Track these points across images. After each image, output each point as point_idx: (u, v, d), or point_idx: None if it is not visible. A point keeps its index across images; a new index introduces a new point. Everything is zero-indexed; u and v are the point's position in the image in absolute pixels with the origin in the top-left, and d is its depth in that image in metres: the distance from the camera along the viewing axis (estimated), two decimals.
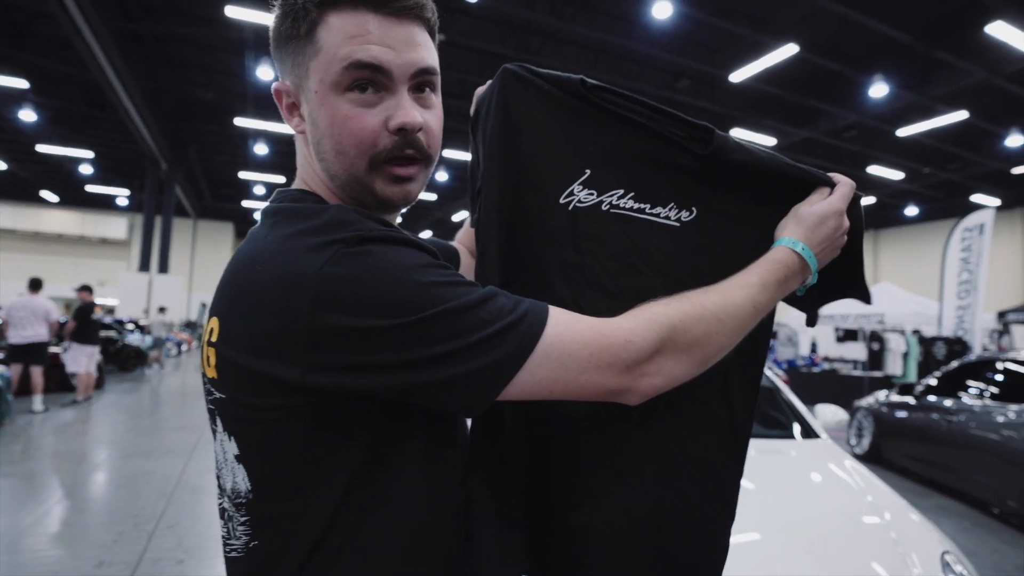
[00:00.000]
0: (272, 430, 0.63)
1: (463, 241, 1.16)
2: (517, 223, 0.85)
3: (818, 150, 15.55)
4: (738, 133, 13.99)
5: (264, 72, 11.48)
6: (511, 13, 10.28)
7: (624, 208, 0.86)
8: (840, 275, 0.92)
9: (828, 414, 3.41)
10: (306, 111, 0.70)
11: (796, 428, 3.16)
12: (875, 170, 16.62)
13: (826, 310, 14.19)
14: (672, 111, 0.86)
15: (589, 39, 11.05)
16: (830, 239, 0.85)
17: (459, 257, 1.12)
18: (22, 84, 12.37)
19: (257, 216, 0.79)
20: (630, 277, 0.85)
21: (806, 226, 0.84)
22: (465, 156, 16.33)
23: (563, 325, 0.65)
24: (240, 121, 14.08)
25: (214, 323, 0.67)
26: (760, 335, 0.92)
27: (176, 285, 19.59)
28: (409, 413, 0.66)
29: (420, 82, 0.71)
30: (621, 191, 0.86)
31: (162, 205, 16.48)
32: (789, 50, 10.10)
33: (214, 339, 0.66)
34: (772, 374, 3.59)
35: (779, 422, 3.23)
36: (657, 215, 0.87)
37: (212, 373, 0.67)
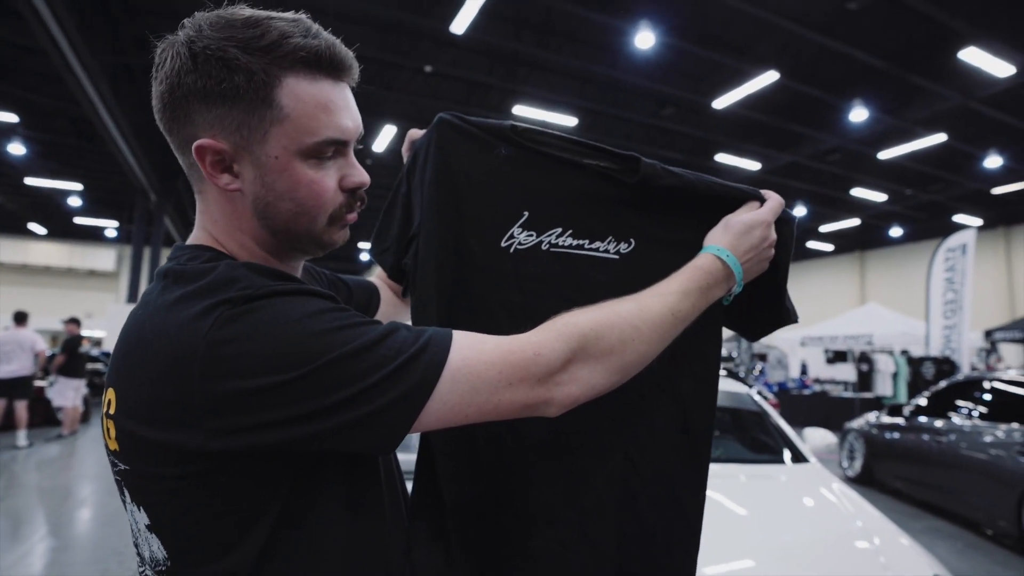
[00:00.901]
0: (181, 498, 0.62)
1: (384, 276, 1.15)
2: (460, 268, 0.87)
3: (802, 174, 15.82)
4: (723, 159, 14.22)
5: None
6: (498, 44, 10.47)
7: (563, 246, 0.89)
8: (767, 292, 0.94)
9: (817, 438, 3.42)
10: (251, 173, 0.69)
11: (785, 453, 3.17)
12: (859, 192, 16.90)
13: (814, 331, 14.26)
14: (600, 145, 0.89)
15: (575, 68, 11.27)
16: (756, 248, 0.86)
17: (379, 293, 1.12)
18: (12, 118, 12.41)
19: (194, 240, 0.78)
20: None
21: (732, 234, 0.86)
22: None
23: (468, 348, 0.66)
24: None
25: (111, 394, 0.65)
26: (710, 352, 0.94)
27: None
28: (324, 460, 0.66)
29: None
30: (559, 229, 0.89)
31: (151, 236, 16.42)
32: (770, 77, 10.35)
33: (112, 411, 0.65)
34: (760, 398, 3.61)
35: (768, 447, 3.24)
36: (596, 250, 0.89)
37: (114, 445, 0.66)
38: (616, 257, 0.90)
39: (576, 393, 0.70)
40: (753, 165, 14.70)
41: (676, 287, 0.80)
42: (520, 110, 11.85)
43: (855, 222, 20.28)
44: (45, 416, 9.80)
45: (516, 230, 0.88)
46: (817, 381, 15.37)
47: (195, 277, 0.65)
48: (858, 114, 11.70)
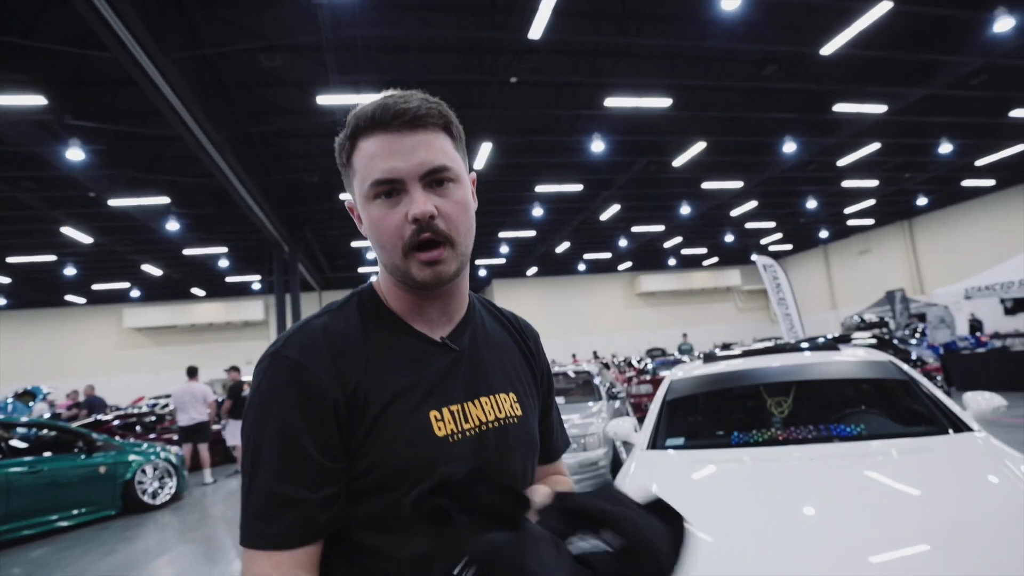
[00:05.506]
0: None
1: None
2: None
3: (941, 107, 14.07)
4: (843, 107, 13.03)
5: None
6: (578, 41, 10.46)
7: None
8: None
9: (981, 401, 3.04)
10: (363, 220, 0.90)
11: (943, 422, 2.85)
12: (1021, 113, 14.70)
13: (981, 279, 12.52)
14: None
15: (661, 48, 10.94)
16: None
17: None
18: (164, 200, 14.33)
19: (373, 279, 0.98)
20: None
21: None
22: (556, 188, 16.76)
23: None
24: (345, 196, 15.26)
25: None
26: None
27: None
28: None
29: (435, 178, 0.85)
30: None
31: (289, 284, 18.15)
32: (882, 8, 9.38)
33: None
34: (904, 365, 3.28)
35: (921, 417, 2.94)
36: None
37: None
38: None
39: None
40: (878, 108, 13.32)
41: None
42: (612, 102, 11.70)
43: (1020, 148, 17.66)
44: (224, 455, 11.14)
45: None
46: (996, 336, 13.48)
47: None
48: (1003, 24, 10.17)
